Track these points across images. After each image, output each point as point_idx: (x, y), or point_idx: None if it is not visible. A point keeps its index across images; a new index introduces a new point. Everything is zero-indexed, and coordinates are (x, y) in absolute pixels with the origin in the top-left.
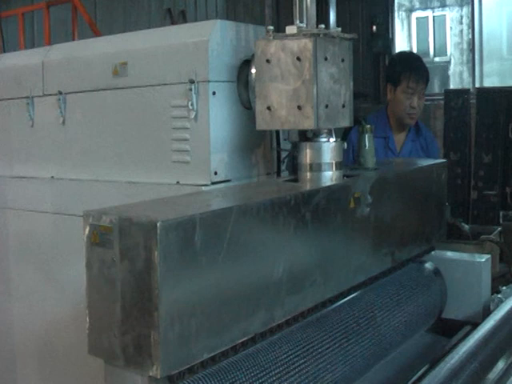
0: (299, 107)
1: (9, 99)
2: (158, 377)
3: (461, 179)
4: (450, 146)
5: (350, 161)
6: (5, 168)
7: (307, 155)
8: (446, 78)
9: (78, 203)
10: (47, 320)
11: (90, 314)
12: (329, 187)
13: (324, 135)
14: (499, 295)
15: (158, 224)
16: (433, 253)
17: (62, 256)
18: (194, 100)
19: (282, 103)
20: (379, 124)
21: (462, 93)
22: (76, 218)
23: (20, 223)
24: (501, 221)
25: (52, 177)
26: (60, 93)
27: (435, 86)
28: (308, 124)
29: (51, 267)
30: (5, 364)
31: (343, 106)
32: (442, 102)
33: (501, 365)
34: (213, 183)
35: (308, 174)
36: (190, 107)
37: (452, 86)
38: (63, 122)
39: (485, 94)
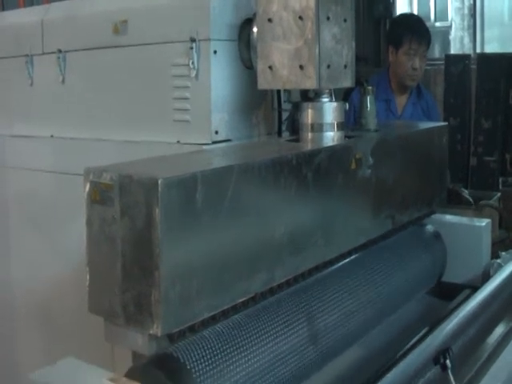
0: (301, 67)
1: (8, 58)
2: (159, 335)
3: (460, 145)
4: (449, 111)
5: (351, 123)
6: (4, 127)
7: (309, 115)
8: (446, 44)
9: (78, 162)
10: (47, 279)
11: (90, 272)
12: (331, 147)
13: (326, 95)
14: (498, 260)
15: (160, 181)
16: (433, 216)
17: (61, 215)
18: (195, 59)
19: (283, 63)
20: (381, 87)
21: (462, 58)
22: (76, 176)
23: (19, 182)
24: (500, 187)
25: (51, 136)
26: (60, 51)
27: (436, 51)
28: (310, 84)
29: (51, 226)
30: (5, 323)
31: (345, 67)
32: (443, 67)
33: (500, 329)
34: (213, 142)
35: (309, 134)
36: (191, 66)
37: (453, 52)
38: (63, 81)
39: (485, 59)
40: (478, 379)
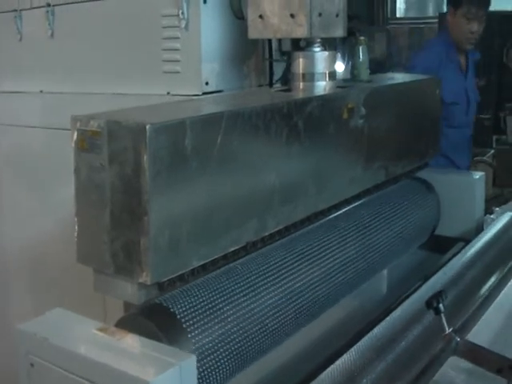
0: (292, 15)
1: None
2: (148, 283)
3: None
4: None
5: None
6: None
7: (300, 65)
8: (440, 1)
9: (68, 117)
10: (38, 232)
11: (78, 222)
12: (322, 96)
13: (317, 44)
14: (492, 216)
15: (147, 127)
16: (427, 169)
17: (52, 170)
18: (185, 9)
19: (274, 11)
20: (450, 49)
21: None
22: (65, 131)
23: (9, 138)
24: (494, 145)
25: (41, 91)
26: (48, 5)
27: (429, 9)
28: (301, 32)
29: (41, 181)
30: None
31: (337, 16)
32: (436, 25)
33: (492, 280)
34: (204, 93)
35: (301, 83)
36: (181, 16)
37: (446, 10)
38: (52, 35)
39: None
40: (471, 326)
